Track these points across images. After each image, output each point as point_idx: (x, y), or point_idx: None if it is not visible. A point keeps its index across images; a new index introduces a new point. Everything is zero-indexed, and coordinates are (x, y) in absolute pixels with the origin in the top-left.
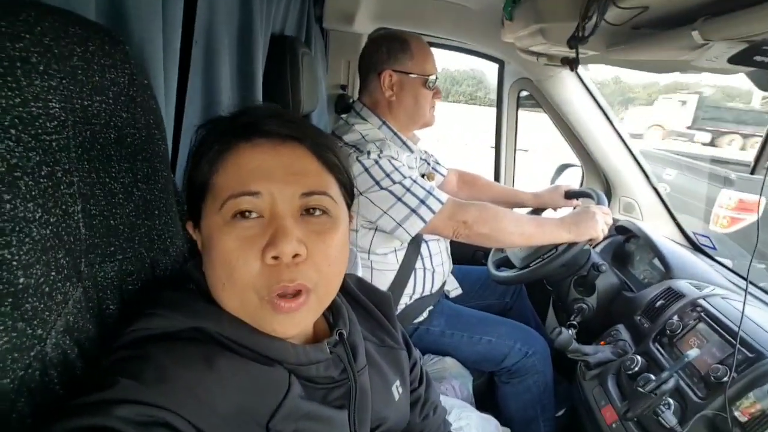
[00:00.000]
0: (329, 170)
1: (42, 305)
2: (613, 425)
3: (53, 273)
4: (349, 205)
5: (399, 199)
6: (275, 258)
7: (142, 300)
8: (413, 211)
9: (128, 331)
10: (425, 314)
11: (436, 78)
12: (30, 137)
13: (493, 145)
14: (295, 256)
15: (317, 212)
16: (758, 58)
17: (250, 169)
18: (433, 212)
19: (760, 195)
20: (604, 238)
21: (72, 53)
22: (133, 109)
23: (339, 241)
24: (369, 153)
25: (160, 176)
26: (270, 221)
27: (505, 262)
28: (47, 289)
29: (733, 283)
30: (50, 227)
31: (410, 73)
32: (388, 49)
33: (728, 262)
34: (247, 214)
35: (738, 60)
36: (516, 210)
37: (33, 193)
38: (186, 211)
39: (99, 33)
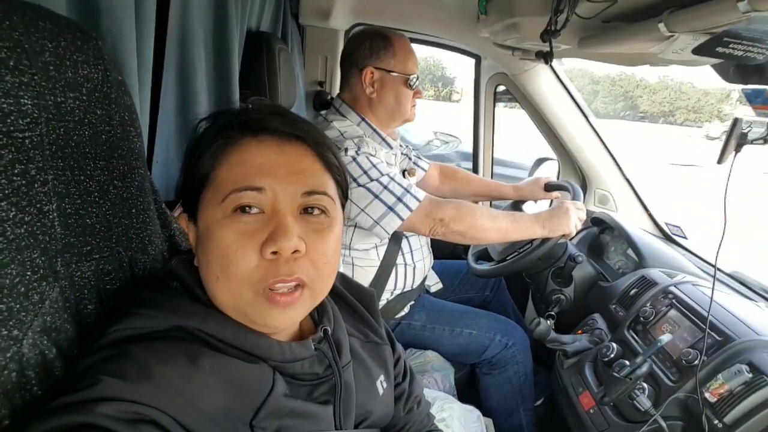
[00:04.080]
0: (328, 170)
1: (18, 305)
2: (591, 411)
3: (29, 273)
4: (343, 205)
5: (376, 196)
6: (274, 253)
7: (123, 299)
8: (390, 208)
9: (111, 331)
10: (406, 309)
11: (417, 77)
12: (1, 134)
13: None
14: (295, 251)
15: (316, 211)
16: (720, 49)
17: (254, 164)
18: (411, 210)
19: (726, 185)
20: (580, 230)
21: (43, 48)
22: (107, 106)
23: (335, 240)
24: (347, 150)
25: (137, 174)
26: (271, 217)
27: (484, 256)
28: (23, 289)
29: (703, 270)
30: (25, 226)
31: (392, 71)
32: (370, 46)
33: None
34: (247, 209)
35: (701, 51)
36: (497, 202)
37: (6, 191)
38: (180, 204)
39: (70, 28)
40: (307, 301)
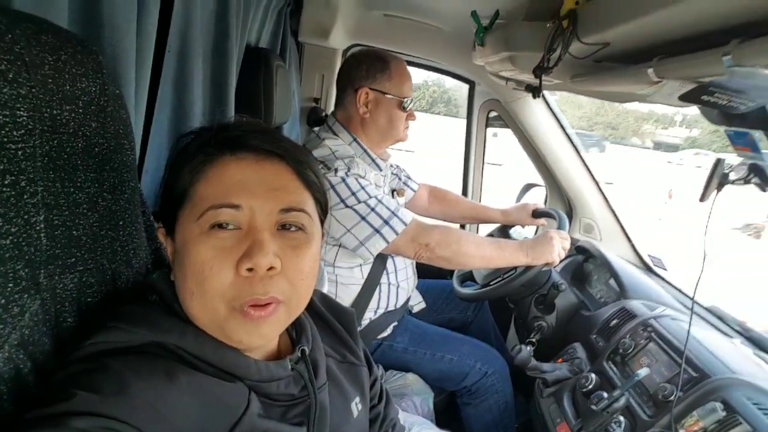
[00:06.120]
0: (307, 187)
1: None
2: None
3: (11, 285)
4: (322, 222)
5: (363, 218)
6: (250, 270)
7: (102, 313)
8: (376, 230)
9: (87, 344)
10: (389, 330)
11: (411, 100)
12: None
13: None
14: (270, 269)
15: (293, 228)
16: (705, 97)
17: (232, 182)
18: (396, 233)
19: (707, 222)
20: (565, 258)
21: (43, 62)
22: (103, 119)
23: (312, 256)
24: (336, 170)
25: (127, 186)
26: (247, 233)
27: (469, 278)
28: (3, 301)
29: (682, 304)
30: (11, 237)
31: (387, 94)
32: (367, 67)
33: None
34: (224, 225)
35: (687, 98)
36: (483, 225)
37: None
38: (159, 218)
39: (71, 42)
40: (282, 316)
